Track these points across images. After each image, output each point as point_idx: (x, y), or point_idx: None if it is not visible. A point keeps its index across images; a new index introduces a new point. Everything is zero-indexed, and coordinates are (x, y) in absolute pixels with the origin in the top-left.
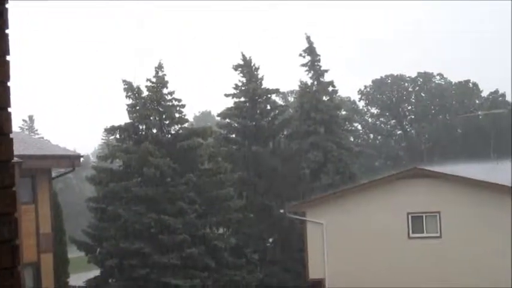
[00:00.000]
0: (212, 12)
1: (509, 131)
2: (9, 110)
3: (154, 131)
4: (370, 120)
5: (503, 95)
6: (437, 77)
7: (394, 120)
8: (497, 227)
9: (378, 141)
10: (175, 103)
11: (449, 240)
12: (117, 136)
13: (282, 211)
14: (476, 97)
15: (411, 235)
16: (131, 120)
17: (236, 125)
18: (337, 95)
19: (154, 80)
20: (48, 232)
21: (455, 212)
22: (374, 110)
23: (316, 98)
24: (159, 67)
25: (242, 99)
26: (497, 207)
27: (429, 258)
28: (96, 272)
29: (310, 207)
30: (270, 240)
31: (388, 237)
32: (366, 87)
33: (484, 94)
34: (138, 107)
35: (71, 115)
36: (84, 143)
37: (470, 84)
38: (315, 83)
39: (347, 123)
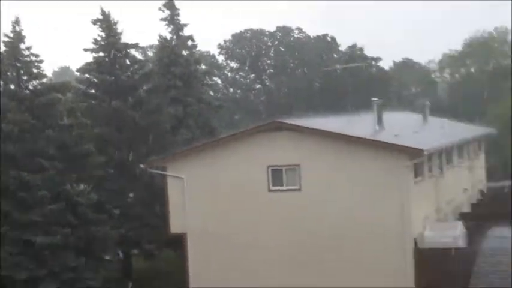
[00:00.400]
0: None
1: (367, 85)
2: None
3: (12, 86)
4: (229, 74)
5: (361, 49)
6: (296, 31)
7: (253, 74)
8: (356, 179)
9: (237, 95)
10: (33, 58)
11: (308, 192)
12: None
13: (142, 166)
14: (335, 51)
15: (271, 188)
16: None
17: (95, 80)
18: (197, 49)
19: (11, 35)
20: None
21: (315, 165)
22: (233, 64)
23: (176, 52)
24: (16, 22)
25: (101, 54)
26: (355, 159)
27: (289, 211)
28: None
29: (170, 162)
30: (131, 195)
31: (249, 191)
32: (225, 41)
33: (342, 48)
34: None
35: None
36: None
37: (328, 38)
38: (174, 37)
39: (207, 77)
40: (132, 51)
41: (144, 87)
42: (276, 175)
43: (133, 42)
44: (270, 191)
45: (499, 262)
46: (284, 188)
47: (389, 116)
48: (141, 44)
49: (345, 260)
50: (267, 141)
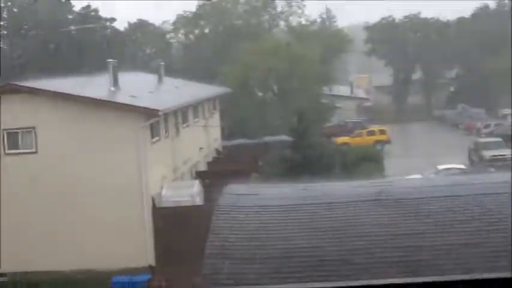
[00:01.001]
0: None
1: (102, 46)
2: None
3: None
4: None
5: (96, 10)
6: None
7: None
8: (93, 140)
9: None
10: None
11: (45, 155)
12: None
13: None
14: (69, 12)
15: (7, 151)
16: None
17: None
18: None
19: None
20: None
21: (51, 127)
22: None
23: None
24: None
25: None
26: (91, 121)
27: (26, 174)
28: None
29: None
30: None
31: None
32: None
33: (76, 9)
34: None
35: None
36: None
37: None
38: None
39: None
40: None
41: None
42: (12, 138)
43: None
44: (6, 154)
45: (233, 218)
46: (20, 151)
47: (124, 77)
48: None
49: (84, 222)
50: (1, 104)
